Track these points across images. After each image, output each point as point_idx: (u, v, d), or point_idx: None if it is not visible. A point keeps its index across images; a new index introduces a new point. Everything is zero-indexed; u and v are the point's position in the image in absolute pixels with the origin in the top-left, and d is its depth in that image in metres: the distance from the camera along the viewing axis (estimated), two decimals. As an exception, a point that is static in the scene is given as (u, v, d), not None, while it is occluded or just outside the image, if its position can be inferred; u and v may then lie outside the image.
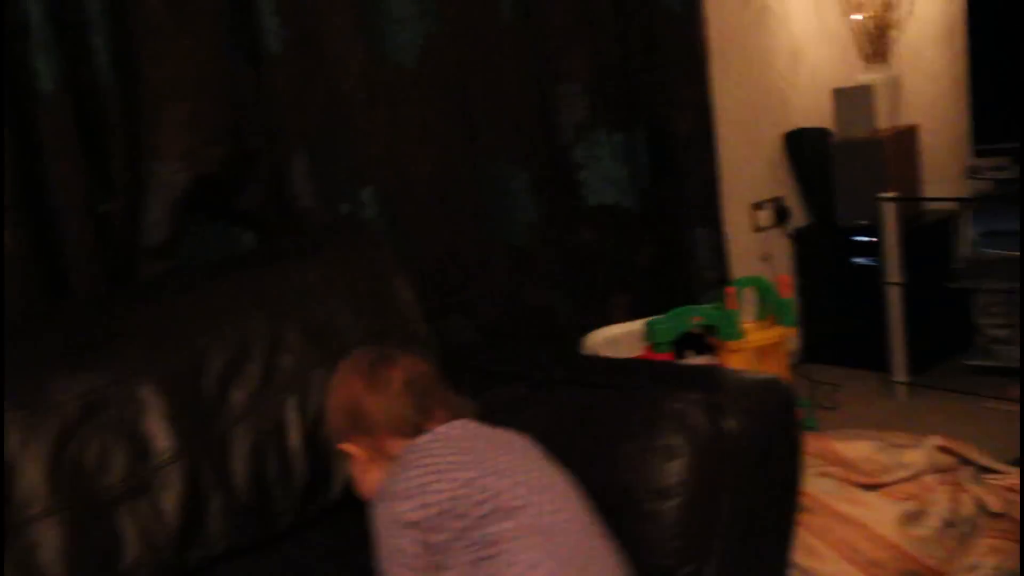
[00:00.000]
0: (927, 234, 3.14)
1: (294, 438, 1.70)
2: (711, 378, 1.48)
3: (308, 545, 1.67)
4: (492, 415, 1.54)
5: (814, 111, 3.48)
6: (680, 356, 2.77)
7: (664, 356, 2.65)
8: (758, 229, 3.42)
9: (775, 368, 2.70)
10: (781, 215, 3.47)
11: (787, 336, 2.71)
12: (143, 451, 1.57)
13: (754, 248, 3.41)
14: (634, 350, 2.69)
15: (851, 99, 3.20)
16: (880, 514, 1.70)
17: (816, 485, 1.76)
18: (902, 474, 1.79)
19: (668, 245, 2.90)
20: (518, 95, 2.53)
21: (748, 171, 3.37)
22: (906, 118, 3.36)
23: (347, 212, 2.19)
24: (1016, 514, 1.78)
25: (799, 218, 3.56)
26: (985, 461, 1.86)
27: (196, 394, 1.64)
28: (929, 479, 1.79)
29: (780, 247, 3.50)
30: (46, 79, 1.75)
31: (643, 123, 2.82)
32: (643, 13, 2.76)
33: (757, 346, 2.66)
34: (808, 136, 3.46)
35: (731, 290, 2.67)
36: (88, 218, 1.85)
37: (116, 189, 1.88)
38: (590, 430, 1.42)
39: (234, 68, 2.03)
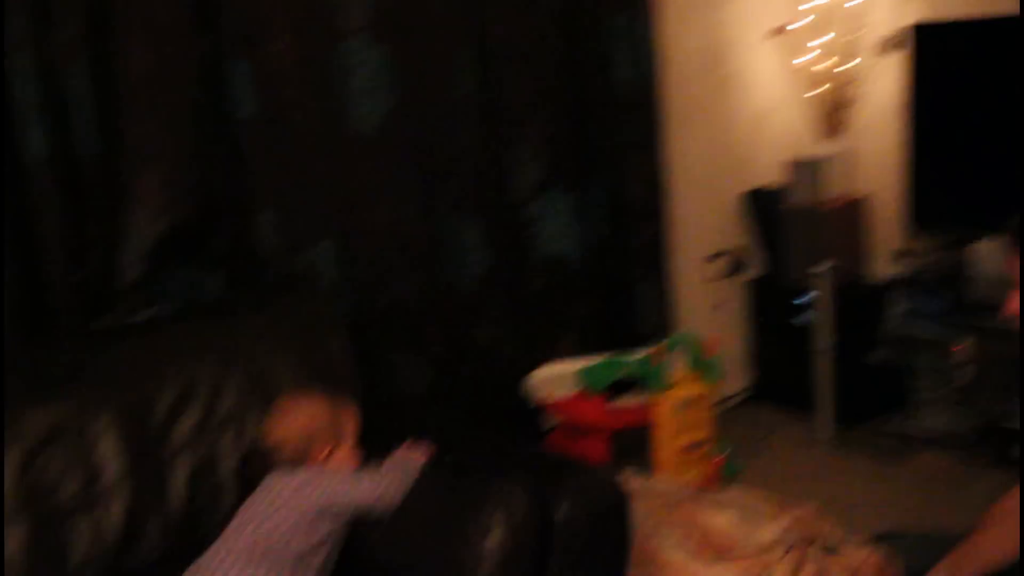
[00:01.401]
0: (864, 302, 3.34)
1: (225, 470, 2.01)
2: (549, 467, 1.74)
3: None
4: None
5: (775, 173, 3.69)
6: (615, 397, 3.04)
7: (597, 398, 2.93)
8: (710, 279, 3.66)
9: (698, 417, 2.96)
10: (735, 267, 3.71)
11: (709, 391, 2.96)
12: (95, 473, 1.88)
13: (707, 296, 3.65)
14: (571, 389, 2.97)
15: (804, 170, 3.38)
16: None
17: (671, 555, 2.01)
18: (751, 549, 2.03)
19: (611, 298, 3.15)
20: (475, 158, 2.78)
21: (705, 225, 3.61)
22: (863, 187, 3.56)
23: (306, 263, 2.47)
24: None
25: (756, 269, 3.79)
26: (836, 539, 2.08)
27: (145, 427, 1.95)
28: (776, 554, 2.03)
29: (733, 295, 3.74)
30: (38, 148, 2.05)
31: (597, 185, 3.06)
32: (598, 85, 2.99)
33: (680, 398, 2.91)
34: (768, 196, 3.68)
35: (662, 346, 2.92)
36: (72, 263, 2.14)
37: (97, 240, 2.18)
38: (434, 504, 1.73)
39: (208, 132, 2.30)
